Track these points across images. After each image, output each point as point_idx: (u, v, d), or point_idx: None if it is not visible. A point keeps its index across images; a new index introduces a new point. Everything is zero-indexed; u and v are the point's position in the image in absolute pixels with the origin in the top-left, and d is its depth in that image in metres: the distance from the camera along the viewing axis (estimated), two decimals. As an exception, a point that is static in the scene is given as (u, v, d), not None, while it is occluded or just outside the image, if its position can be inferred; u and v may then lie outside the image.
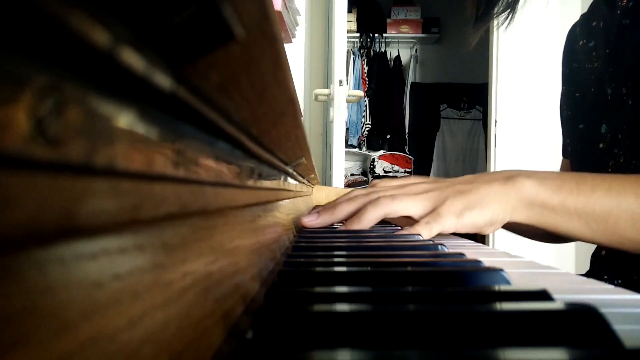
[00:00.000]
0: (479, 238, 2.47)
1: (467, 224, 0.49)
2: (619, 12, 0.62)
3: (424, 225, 0.50)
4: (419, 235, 0.49)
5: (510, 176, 0.50)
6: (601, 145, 0.65)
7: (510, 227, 0.60)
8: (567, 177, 0.49)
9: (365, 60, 3.72)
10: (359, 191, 0.62)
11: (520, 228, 0.62)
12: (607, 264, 0.64)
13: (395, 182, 0.62)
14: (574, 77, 0.74)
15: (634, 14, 0.60)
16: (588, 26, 0.71)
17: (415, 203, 0.52)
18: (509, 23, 0.66)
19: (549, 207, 0.48)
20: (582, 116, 0.70)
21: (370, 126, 3.75)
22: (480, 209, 0.49)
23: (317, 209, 0.63)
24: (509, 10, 0.65)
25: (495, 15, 0.65)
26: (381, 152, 3.77)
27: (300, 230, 0.58)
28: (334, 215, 0.58)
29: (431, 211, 0.51)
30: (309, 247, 0.43)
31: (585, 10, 0.74)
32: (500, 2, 0.64)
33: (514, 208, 0.49)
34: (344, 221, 0.59)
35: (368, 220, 0.54)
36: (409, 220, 0.54)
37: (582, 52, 0.71)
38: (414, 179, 0.61)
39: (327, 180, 2.14)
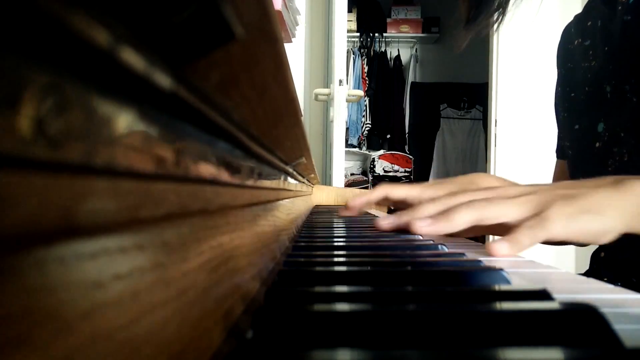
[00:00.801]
0: (479, 237, 2.47)
1: (581, 231, 0.41)
2: (619, 8, 0.62)
3: (526, 231, 0.41)
4: (507, 245, 0.40)
5: (619, 180, 0.44)
6: (597, 145, 0.65)
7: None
8: None
9: (365, 59, 3.72)
10: (439, 189, 0.54)
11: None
12: (606, 265, 0.64)
13: (482, 181, 0.55)
14: (569, 77, 0.74)
15: (636, 10, 0.60)
16: (583, 26, 0.71)
17: (514, 207, 0.44)
18: (498, 25, 0.66)
19: None
20: (578, 116, 0.70)
21: (370, 126, 3.75)
22: (595, 214, 0.41)
23: (384, 214, 0.57)
24: (499, 11, 0.65)
25: (485, 18, 0.65)
26: (381, 151, 3.76)
27: (301, 230, 0.58)
28: (415, 215, 0.51)
29: (532, 216, 0.43)
30: (308, 246, 0.43)
31: (586, 9, 0.75)
32: (491, 5, 0.64)
33: (632, 215, 0.42)
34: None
35: (459, 223, 0.46)
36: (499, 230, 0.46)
37: (578, 51, 0.71)
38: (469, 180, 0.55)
39: (327, 180, 2.14)
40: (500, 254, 0.40)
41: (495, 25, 0.66)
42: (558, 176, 0.84)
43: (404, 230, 0.51)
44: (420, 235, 0.50)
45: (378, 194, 0.67)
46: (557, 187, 0.45)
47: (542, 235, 0.41)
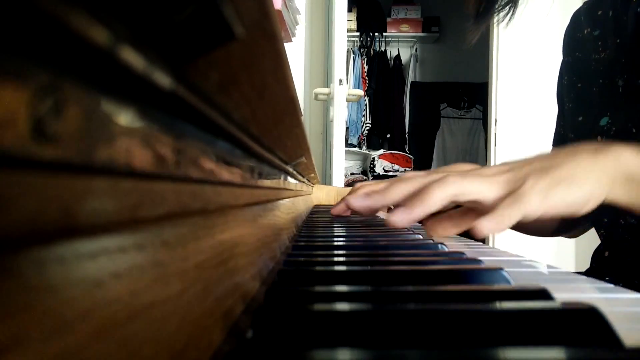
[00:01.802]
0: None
1: (558, 203, 0.39)
2: (634, 0, 0.60)
3: (501, 212, 0.40)
4: (491, 225, 0.40)
5: (599, 147, 0.42)
6: (599, 139, 0.64)
7: (521, 225, 0.51)
8: None
9: (365, 59, 3.72)
10: (413, 173, 0.52)
11: (531, 225, 0.55)
12: (609, 266, 0.64)
13: (457, 168, 0.52)
14: (578, 67, 0.71)
15: None
16: (593, 15, 0.68)
17: (490, 185, 0.42)
18: (509, 19, 0.64)
19: None
20: (583, 108, 0.68)
21: (370, 125, 3.75)
22: (571, 184, 0.40)
23: (359, 191, 0.53)
24: (510, 5, 0.63)
25: (496, 11, 0.64)
26: (381, 151, 3.77)
27: (301, 229, 0.58)
28: (386, 197, 0.49)
29: (507, 194, 0.41)
30: (309, 246, 0.43)
31: (587, 7, 0.74)
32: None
33: (612, 183, 0.40)
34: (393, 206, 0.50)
35: (433, 201, 0.44)
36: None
37: (587, 41, 0.69)
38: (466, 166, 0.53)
39: (327, 180, 2.14)
40: (485, 232, 0.39)
41: (507, 20, 0.63)
42: None
43: (374, 212, 0.49)
44: (420, 235, 0.50)
45: (360, 193, 0.63)
46: (532, 161, 0.44)
47: (517, 214, 0.39)
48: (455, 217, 0.51)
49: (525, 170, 0.42)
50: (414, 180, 0.48)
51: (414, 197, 0.45)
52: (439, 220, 0.52)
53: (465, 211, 0.50)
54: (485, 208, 0.43)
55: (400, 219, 0.45)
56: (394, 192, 0.48)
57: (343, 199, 0.62)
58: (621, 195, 0.41)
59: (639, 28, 0.59)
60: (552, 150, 0.47)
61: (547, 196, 0.40)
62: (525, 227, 0.62)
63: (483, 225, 0.40)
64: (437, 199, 0.44)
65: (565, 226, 0.65)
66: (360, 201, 0.51)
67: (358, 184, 0.64)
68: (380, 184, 0.58)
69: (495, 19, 0.65)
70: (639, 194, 0.41)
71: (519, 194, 0.40)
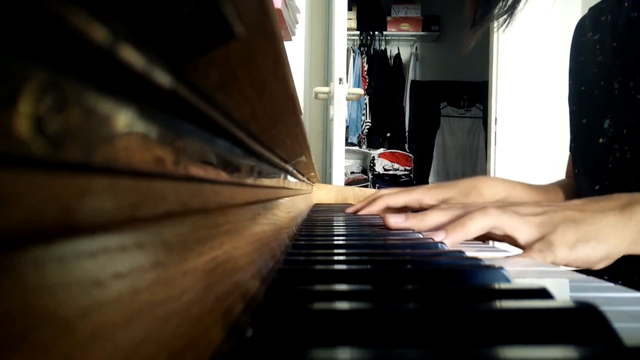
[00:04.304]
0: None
1: (581, 257, 0.44)
2: (626, 4, 0.62)
3: (538, 253, 0.44)
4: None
5: (626, 204, 0.46)
6: (601, 140, 0.65)
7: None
8: None
9: (365, 58, 3.71)
10: (438, 194, 0.57)
11: None
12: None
13: (487, 193, 0.59)
14: (580, 70, 0.73)
15: None
16: (597, 19, 0.70)
17: (526, 226, 0.46)
18: (507, 26, 0.66)
19: None
20: (586, 110, 0.70)
21: (370, 124, 3.74)
22: (596, 243, 0.44)
23: (392, 211, 0.59)
24: (508, 13, 0.65)
25: (494, 19, 0.65)
26: (381, 150, 3.76)
27: (301, 228, 0.58)
28: (423, 223, 0.53)
29: (540, 238, 0.46)
30: (308, 245, 0.43)
31: (586, 9, 0.74)
32: (499, 5, 0.64)
33: (632, 241, 0.44)
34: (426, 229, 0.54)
35: (473, 229, 0.47)
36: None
37: (589, 45, 0.71)
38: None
39: (327, 179, 2.14)
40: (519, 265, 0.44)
41: (503, 27, 0.66)
42: (570, 171, 0.83)
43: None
44: (420, 234, 0.50)
45: (379, 206, 0.71)
46: (565, 208, 0.47)
47: (550, 258, 0.44)
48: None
49: (558, 217, 0.46)
50: (450, 210, 0.52)
51: (456, 222, 0.49)
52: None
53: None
54: (516, 245, 0.48)
55: (442, 239, 0.49)
56: (432, 220, 0.52)
57: (369, 205, 0.72)
58: (638, 250, 0.45)
59: (632, 32, 0.60)
60: (587, 200, 0.50)
61: (574, 250, 0.44)
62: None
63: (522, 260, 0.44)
64: (478, 227, 0.47)
65: None
66: (399, 223, 0.54)
67: (380, 192, 0.71)
68: (404, 195, 0.62)
69: (495, 25, 0.66)
70: None
71: (550, 242, 0.44)
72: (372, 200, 0.75)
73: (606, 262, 0.45)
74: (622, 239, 0.44)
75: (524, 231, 0.46)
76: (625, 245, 0.44)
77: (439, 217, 0.52)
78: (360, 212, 0.76)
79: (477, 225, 0.47)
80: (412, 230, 0.53)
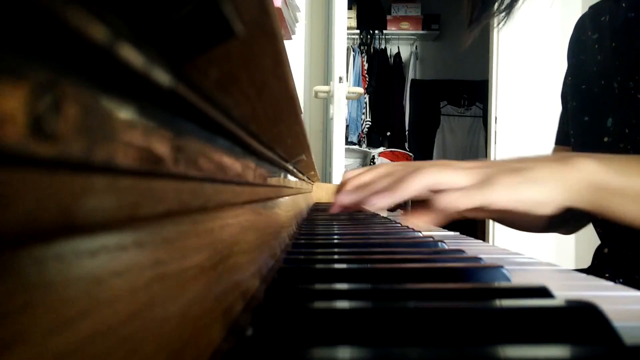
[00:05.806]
0: (480, 235, 2.47)
1: (521, 197, 0.43)
2: (623, 4, 0.62)
3: (466, 191, 0.43)
4: (451, 199, 0.42)
5: (566, 157, 0.46)
6: (606, 139, 0.65)
7: (505, 218, 0.55)
8: (624, 159, 0.45)
9: (365, 57, 3.71)
10: (393, 165, 0.54)
11: (512, 218, 0.58)
12: (609, 261, 0.64)
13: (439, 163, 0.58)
14: (581, 68, 0.73)
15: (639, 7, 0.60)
16: (596, 18, 0.71)
17: (464, 175, 0.46)
18: (504, 24, 0.66)
19: (611, 190, 0.44)
20: (588, 109, 0.70)
21: (370, 123, 3.74)
22: (539, 185, 0.44)
23: (347, 187, 0.55)
24: (505, 11, 0.65)
25: (492, 16, 0.65)
26: (381, 149, 3.76)
27: (301, 227, 0.58)
28: (372, 189, 0.51)
29: (480, 182, 0.45)
30: (308, 243, 0.43)
31: (587, 7, 0.74)
32: (497, 4, 0.64)
33: (573, 191, 0.44)
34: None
35: (410, 190, 0.46)
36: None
37: (589, 44, 0.71)
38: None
39: (327, 177, 2.14)
40: (443, 203, 0.42)
41: (500, 25, 0.66)
42: None
43: (360, 206, 0.51)
44: (421, 233, 0.50)
45: (350, 189, 0.64)
46: (507, 162, 0.48)
47: (484, 196, 0.43)
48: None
49: (498, 168, 0.46)
50: (396, 172, 0.52)
51: (394, 184, 0.48)
52: (414, 212, 0.55)
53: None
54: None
55: (380, 200, 0.48)
56: (378, 184, 0.51)
57: (341, 194, 0.63)
58: (586, 202, 0.44)
59: (630, 32, 0.60)
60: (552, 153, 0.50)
61: (513, 190, 0.44)
62: (512, 222, 0.64)
63: (444, 196, 0.43)
64: (414, 187, 0.47)
65: (553, 224, 0.67)
66: (349, 198, 0.53)
67: (346, 174, 0.66)
68: (366, 174, 0.60)
69: (495, 22, 0.66)
70: (603, 200, 0.44)
71: (488, 182, 0.44)
72: (340, 187, 0.69)
73: (549, 207, 0.44)
74: (564, 185, 0.44)
75: (462, 180, 0.45)
76: (567, 192, 0.44)
77: (385, 181, 0.50)
78: (339, 204, 0.68)
79: (414, 185, 0.46)
80: (364, 199, 0.51)
